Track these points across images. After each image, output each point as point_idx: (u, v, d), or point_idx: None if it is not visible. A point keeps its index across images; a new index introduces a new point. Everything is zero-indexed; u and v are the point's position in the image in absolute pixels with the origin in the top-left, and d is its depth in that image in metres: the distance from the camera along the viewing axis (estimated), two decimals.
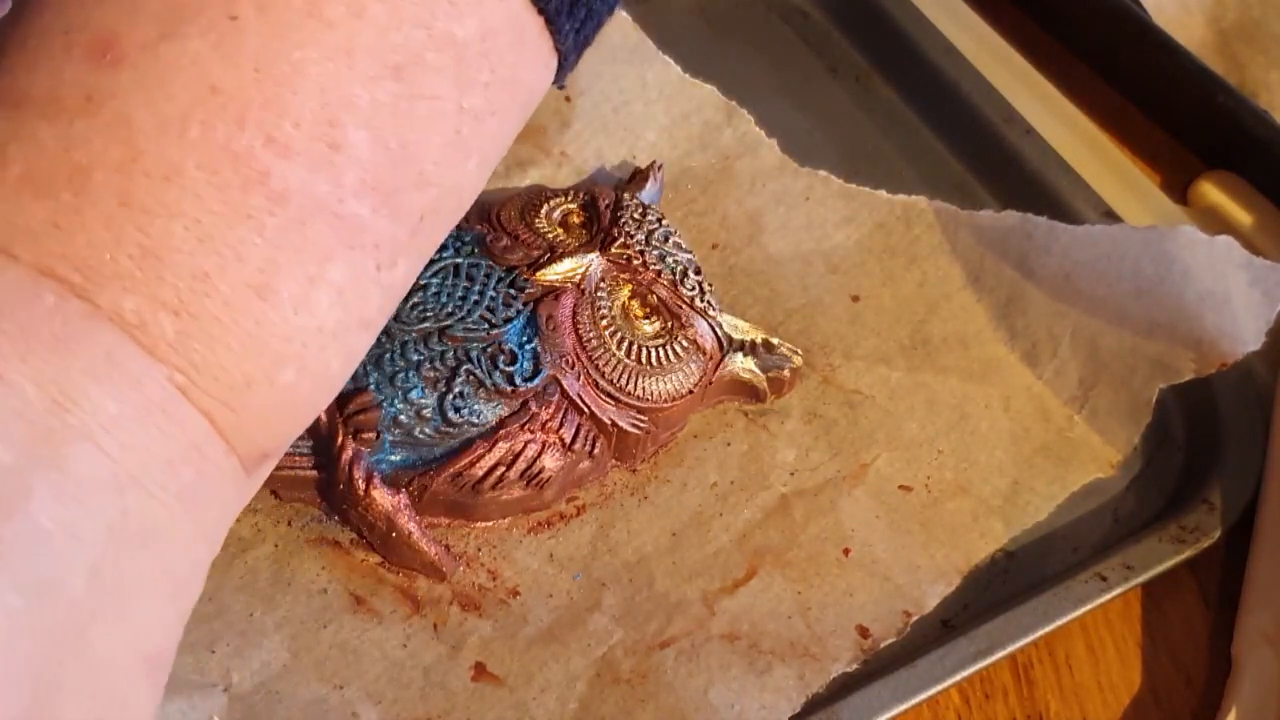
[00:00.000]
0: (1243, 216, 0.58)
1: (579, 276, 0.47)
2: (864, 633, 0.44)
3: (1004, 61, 0.61)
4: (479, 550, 0.45)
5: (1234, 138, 0.59)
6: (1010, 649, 0.45)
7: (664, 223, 0.50)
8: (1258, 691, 0.45)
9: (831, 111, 0.60)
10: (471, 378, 0.45)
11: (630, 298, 0.48)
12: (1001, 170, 0.58)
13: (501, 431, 0.45)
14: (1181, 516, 0.49)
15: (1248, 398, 0.52)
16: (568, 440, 0.45)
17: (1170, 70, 0.61)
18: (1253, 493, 0.49)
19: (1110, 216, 0.55)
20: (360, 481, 0.43)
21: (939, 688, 0.44)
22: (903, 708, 0.44)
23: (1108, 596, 0.47)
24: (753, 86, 0.58)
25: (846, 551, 0.46)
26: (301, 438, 0.44)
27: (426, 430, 0.44)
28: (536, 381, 0.45)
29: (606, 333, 0.47)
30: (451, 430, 0.45)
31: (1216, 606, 0.49)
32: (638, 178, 0.52)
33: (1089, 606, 0.46)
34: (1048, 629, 0.46)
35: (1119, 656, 0.48)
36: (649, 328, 0.48)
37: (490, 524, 0.46)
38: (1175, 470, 0.51)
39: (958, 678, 0.44)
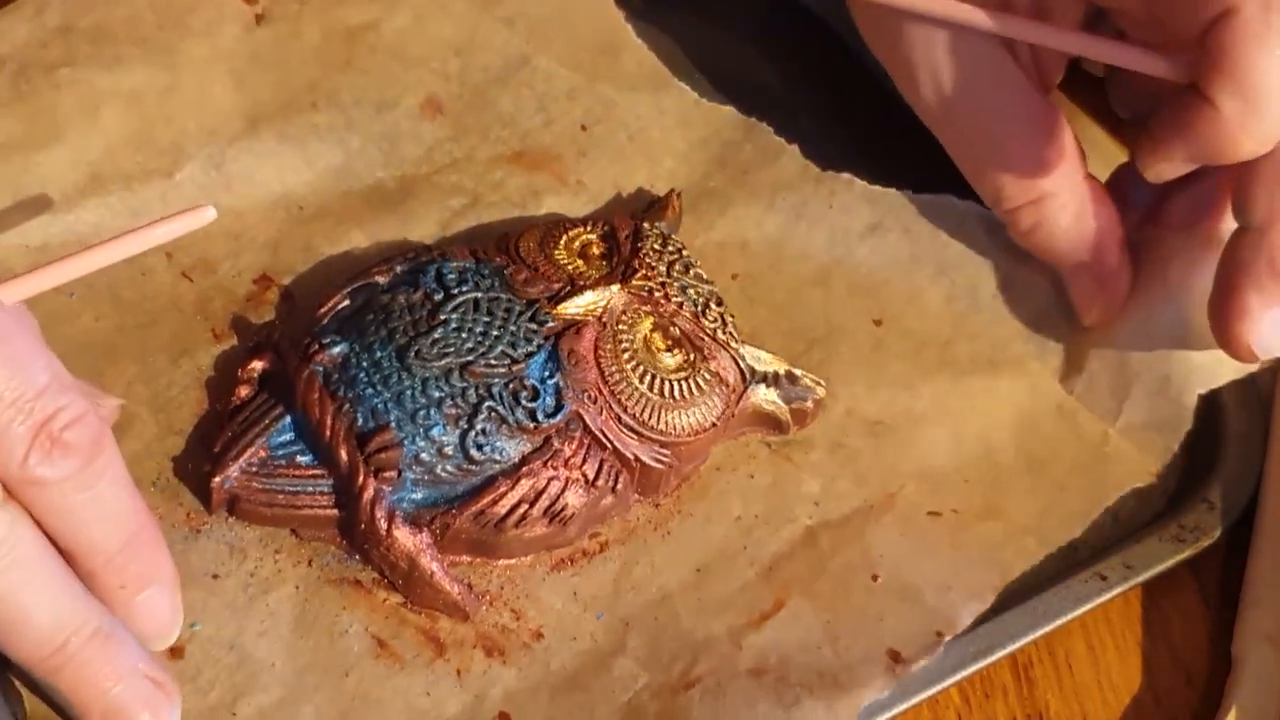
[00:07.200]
0: None
1: (600, 309, 0.47)
2: (895, 656, 0.44)
3: None
4: (501, 588, 0.45)
5: None
6: (1010, 649, 0.45)
7: (684, 253, 0.49)
8: (1258, 691, 0.46)
9: (854, 112, 0.59)
10: (494, 414, 0.44)
11: (652, 330, 0.47)
12: None
13: (524, 468, 0.44)
14: (1181, 516, 0.49)
15: (1248, 398, 0.51)
16: (590, 476, 0.45)
17: None
18: (1253, 493, 0.49)
19: None
20: (382, 521, 0.43)
21: (939, 687, 0.44)
22: (903, 707, 0.44)
23: (1108, 596, 0.47)
24: (769, 90, 0.58)
25: (875, 577, 0.46)
26: (322, 476, 0.44)
27: (448, 468, 0.44)
28: (559, 417, 0.45)
29: (628, 366, 0.46)
30: (474, 468, 0.44)
31: (1216, 606, 0.49)
32: (657, 206, 0.52)
33: (1089, 606, 0.46)
34: (1048, 629, 0.46)
35: (1119, 656, 0.48)
36: (671, 360, 0.47)
37: (513, 561, 0.45)
38: (1175, 470, 0.51)
39: (958, 677, 0.44)
